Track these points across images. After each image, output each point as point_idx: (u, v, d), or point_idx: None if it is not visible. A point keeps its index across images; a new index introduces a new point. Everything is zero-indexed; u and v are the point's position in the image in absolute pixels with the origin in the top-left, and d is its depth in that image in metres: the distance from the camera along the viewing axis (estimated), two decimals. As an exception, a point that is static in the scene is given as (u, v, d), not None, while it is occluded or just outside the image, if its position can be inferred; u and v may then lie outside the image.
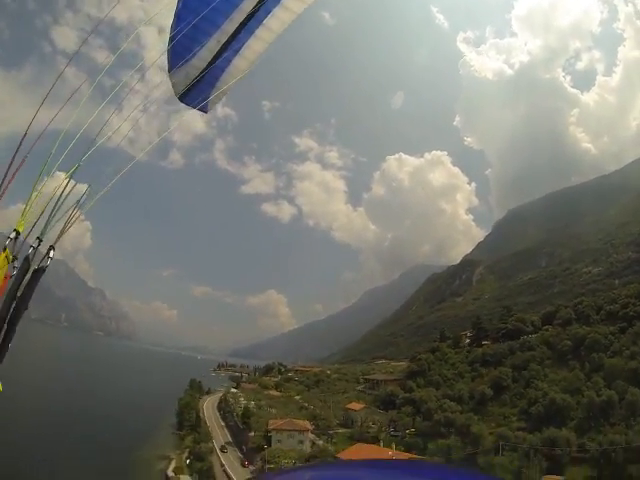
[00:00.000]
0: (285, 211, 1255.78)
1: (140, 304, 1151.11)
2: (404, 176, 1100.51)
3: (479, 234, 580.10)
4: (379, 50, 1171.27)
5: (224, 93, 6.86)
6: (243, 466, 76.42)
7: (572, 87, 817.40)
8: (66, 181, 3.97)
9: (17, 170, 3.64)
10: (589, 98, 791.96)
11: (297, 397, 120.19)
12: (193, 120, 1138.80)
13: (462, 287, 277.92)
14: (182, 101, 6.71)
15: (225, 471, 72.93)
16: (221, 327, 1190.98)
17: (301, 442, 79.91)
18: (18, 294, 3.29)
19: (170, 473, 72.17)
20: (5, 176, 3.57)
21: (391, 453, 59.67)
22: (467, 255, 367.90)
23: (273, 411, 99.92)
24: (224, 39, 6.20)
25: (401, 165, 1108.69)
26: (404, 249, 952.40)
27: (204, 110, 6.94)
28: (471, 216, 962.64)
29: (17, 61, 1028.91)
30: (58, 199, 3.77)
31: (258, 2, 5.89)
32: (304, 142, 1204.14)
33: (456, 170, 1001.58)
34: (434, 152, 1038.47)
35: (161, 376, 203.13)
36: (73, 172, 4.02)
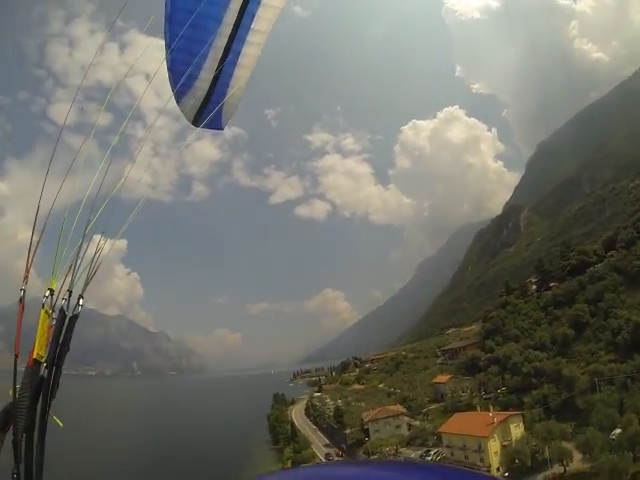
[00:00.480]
0: (319, 209, 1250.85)
1: (203, 337, 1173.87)
2: (423, 142, 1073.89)
3: (513, 178, 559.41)
4: (359, 27, 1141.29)
5: (234, 107, 7.09)
6: (338, 455, 79.04)
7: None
8: (83, 239, 4.53)
9: (37, 246, 4.32)
10: (584, 5, 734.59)
11: (381, 385, 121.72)
12: (205, 149, 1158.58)
13: (511, 236, 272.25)
14: (196, 125, 6.91)
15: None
16: (287, 338, 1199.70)
17: (398, 427, 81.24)
18: (60, 340, 3.89)
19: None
20: (29, 251, 4.26)
21: (491, 414, 60.37)
22: (507, 202, 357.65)
23: (362, 404, 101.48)
24: (219, 55, 6.37)
25: (417, 132, 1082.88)
26: (444, 214, 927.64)
27: (219, 128, 7.25)
28: (500, 162, 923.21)
29: (26, 147, 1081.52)
30: (77, 255, 4.36)
31: (239, 11, 6.07)
32: (317, 137, 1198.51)
33: (472, 121, 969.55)
34: (445, 109, 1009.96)
35: (241, 399, 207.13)
36: (87, 231, 4.53)
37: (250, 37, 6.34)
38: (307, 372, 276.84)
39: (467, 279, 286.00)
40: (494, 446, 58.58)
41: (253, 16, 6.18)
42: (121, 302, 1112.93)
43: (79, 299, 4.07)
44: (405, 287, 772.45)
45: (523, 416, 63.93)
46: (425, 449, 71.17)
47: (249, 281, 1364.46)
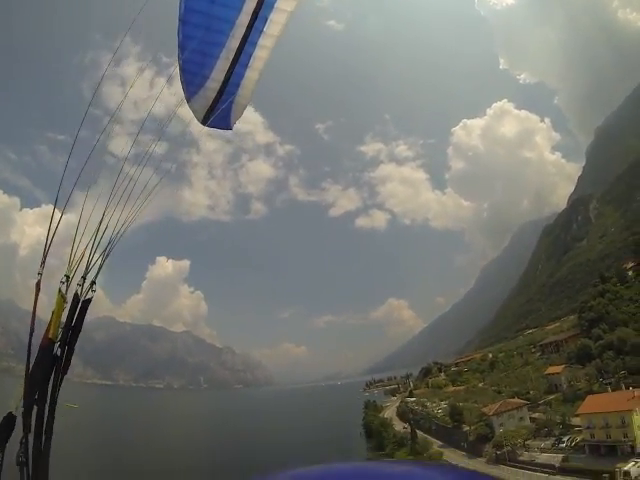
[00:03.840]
0: (379, 219, 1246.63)
1: (269, 350, 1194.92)
2: (476, 141, 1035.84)
3: (575, 168, 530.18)
4: (395, 34, 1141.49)
5: (243, 107, 7.23)
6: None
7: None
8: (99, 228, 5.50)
9: (52, 237, 5.00)
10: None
11: (480, 385, 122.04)
12: (259, 168, 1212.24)
13: (582, 229, 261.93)
14: (205, 125, 7.13)
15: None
16: (352, 349, 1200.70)
17: (521, 419, 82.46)
18: (73, 323, 4.30)
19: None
20: (46, 243, 4.87)
21: (631, 389, 62.21)
22: (572, 194, 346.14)
23: (473, 403, 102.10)
24: (231, 56, 6.49)
25: (469, 132, 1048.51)
26: (504, 214, 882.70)
27: (228, 128, 7.48)
28: (558, 153, 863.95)
29: (90, 180, 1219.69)
30: (92, 245, 5.16)
31: (252, 15, 6.17)
32: (370, 147, 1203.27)
33: (523, 113, 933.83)
34: (494, 105, 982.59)
35: (314, 409, 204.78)
36: (101, 222, 5.65)
37: (262, 40, 6.51)
38: (380, 381, 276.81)
39: (538, 279, 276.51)
40: (637, 419, 60.25)
41: (266, 20, 6.33)
42: (187, 319, 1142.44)
43: (92, 285, 4.63)
44: (470, 292, 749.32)
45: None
46: (555, 437, 72.44)
47: (313, 295, 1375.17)
